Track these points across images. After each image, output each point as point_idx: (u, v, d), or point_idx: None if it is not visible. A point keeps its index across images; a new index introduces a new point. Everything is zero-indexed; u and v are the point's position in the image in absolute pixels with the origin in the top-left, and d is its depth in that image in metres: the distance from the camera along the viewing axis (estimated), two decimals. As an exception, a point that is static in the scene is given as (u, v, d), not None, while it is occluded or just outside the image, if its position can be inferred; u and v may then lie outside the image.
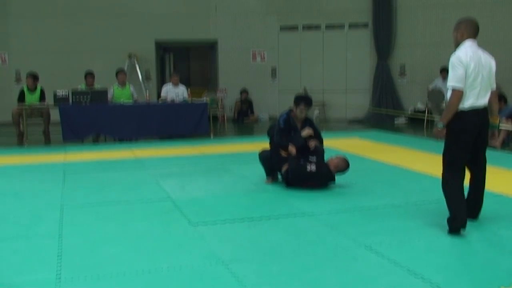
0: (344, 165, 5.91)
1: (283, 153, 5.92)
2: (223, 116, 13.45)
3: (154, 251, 3.86)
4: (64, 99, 9.80)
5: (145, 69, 14.30)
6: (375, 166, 7.21)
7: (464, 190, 4.21)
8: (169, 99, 10.71)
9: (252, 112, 14.13)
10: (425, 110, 12.36)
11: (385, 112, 13.43)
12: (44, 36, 13.76)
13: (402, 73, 14.15)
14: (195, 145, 9.45)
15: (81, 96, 9.84)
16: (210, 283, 3.28)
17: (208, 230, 4.35)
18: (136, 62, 13.93)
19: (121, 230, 4.43)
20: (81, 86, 10.69)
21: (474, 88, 4.08)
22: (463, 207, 4.11)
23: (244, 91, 14.03)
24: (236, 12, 14.29)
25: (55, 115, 10.05)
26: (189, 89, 11.33)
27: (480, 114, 4.13)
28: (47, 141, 10.08)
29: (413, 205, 5.03)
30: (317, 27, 14.34)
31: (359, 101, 14.24)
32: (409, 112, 13.39)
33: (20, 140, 10.06)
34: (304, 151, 5.92)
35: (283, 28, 14.41)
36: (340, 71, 14.39)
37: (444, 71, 11.82)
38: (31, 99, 10.13)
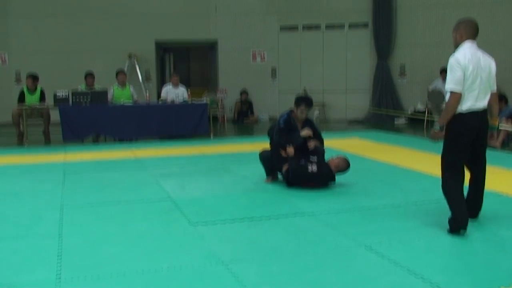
0: (344, 165, 5.92)
1: (283, 153, 5.92)
2: (223, 117, 13.45)
3: (154, 251, 3.86)
4: (64, 99, 9.80)
5: (145, 70, 14.30)
6: (375, 166, 7.21)
7: (464, 190, 4.21)
8: (169, 99, 10.71)
9: (252, 112, 14.13)
10: (425, 111, 12.37)
11: (385, 113, 13.43)
12: (44, 36, 13.76)
13: (402, 73, 14.15)
14: (195, 145, 9.45)
15: (81, 97, 9.84)
16: (210, 283, 3.28)
17: (208, 230, 4.35)
18: (136, 62, 13.93)
19: (121, 230, 4.42)
20: (81, 86, 10.70)
21: (473, 91, 4.06)
22: (464, 208, 4.11)
23: (244, 92, 14.03)
24: (236, 12, 14.29)
25: (55, 115, 10.05)
26: (189, 90, 11.33)
27: (479, 116, 4.11)
28: (47, 141, 10.09)
29: (413, 205, 5.03)
30: (317, 27, 14.34)
31: (359, 102, 14.24)
32: (409, 113, 13.40)
33: (20, 140, 10.07)
34: (304, 151, 5.92)
35: (283, 28, 14.41)
36: (340, 71, 14.40)
37: (444, 72, 11.77)
38: (31, 99, 10.13)
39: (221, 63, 14.60)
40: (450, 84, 4.07)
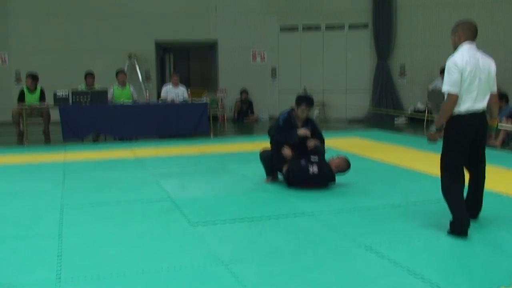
0: (345, 165, 5.92)
1: (284, 151, 5.91)
2: (223, 116, 13.46)
3: (154, 251, 3.86)
4: (64, 99, 9.80)
5: (145, 69, 14.30)
6: (375, 166, 7.21)
7: (464, 191, 4.21)
8: (169, 99, 10.71)
9: (252, 112, 14.13)
10: (425, 110, 12.37)
11: (385, 112, 13.43)
12: (44, 36, 13.77)
13: (402, 73, 14.15)
14: (195, 145, 9.45)
15: (81, 97, 9.84)
16: (210, 283, 3.28)
17: (208, 230, 4.35)
18: (136, 62, 13.94)
19: (121, 230, 4.42)
20: (81, 86, 10.70)
21: (471, 92, 4.04)
22: (464, 209, 4.10)
23: (244, 91, 14.03)
24: (236, 12, 14.29)
25: (55, 115, 10.05)
26: (189, 89, 11.34)
27: (477, 118, 4.10)
28: (47, 141, 10.09)
29: (413, 205, 5.03)
30: (317, 28, 14.34)
31: (359, 101, 14.24)
32: (409, 112, 13.40)
33: (20, 139, 10.07)
34: (304, 150, 5.92)
35: (283, 28, 14.41)
36: (340, 71, 14.40)
37: (444, 73, 11.81)
38: (31, 99, 10.13)
39: (221, 63, 14.60)
40: (447, 86, 4.06)
